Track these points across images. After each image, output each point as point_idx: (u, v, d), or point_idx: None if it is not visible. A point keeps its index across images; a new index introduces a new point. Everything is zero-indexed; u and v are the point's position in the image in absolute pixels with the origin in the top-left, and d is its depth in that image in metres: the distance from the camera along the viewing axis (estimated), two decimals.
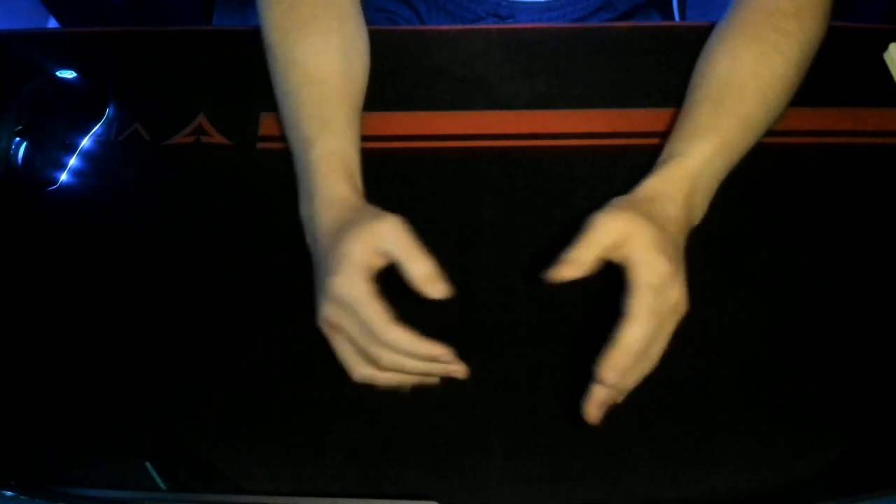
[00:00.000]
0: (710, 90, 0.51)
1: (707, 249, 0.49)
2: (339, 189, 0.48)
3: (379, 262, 0.44)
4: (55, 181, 0.57)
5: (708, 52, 0.54)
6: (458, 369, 0.44)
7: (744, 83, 0.51)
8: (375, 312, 0.42)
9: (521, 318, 0.50)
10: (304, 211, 0.49)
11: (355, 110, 0.53)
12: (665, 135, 0.56)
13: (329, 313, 0.43)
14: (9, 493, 0.44)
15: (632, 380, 0.42)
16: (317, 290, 0.46)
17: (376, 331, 0.42)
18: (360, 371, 0.44)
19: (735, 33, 0.53)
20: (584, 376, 0.47)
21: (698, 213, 0.48)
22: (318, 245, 0.47)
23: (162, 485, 0.45)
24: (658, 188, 0.47)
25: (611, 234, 0.43)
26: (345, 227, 0.44)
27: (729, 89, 0.51)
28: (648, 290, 0.41)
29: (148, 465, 0.46)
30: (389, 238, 0.43)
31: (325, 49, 0.53)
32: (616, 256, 0.43)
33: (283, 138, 0.58)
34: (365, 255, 0.43)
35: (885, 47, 0.61)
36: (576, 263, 0.42)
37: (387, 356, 0.43)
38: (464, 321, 0.47)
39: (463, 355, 0.46)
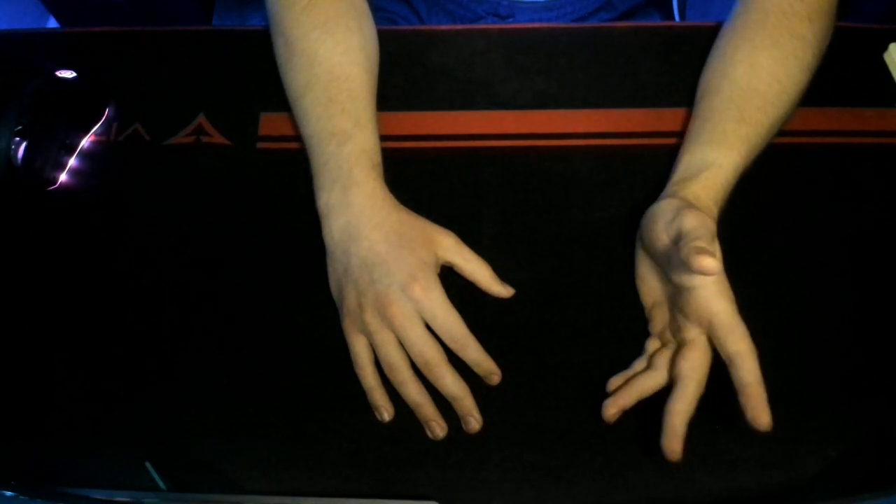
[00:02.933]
0: (733, 95, 0.51)
1: None
2: (379, 186, 0.50)
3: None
4: (55, 181, 0.57)
5: (724, 53, 0.54)
6: (476, 418, 0.46)
7: (765, 90, 0.51)
8: (457, 319, 0.46)
9: (521, 317, 0.50)
10: (329, 200, 0.49)
11: (376, 108, 0.54)
12: (666, 135, 0.57)
13: (395, 311, 0.46)
14: (9, 493, 0.44)
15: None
16: (352, 284, 0.47)
17: (455, 335, 0.46)
18: (400, 377, 0.46)
19: (752, 35, 0.53)
20: (585, 376, 0.48)
21: (720, 215, 0.48)
22: (354, 238, 0.48)
23: (162, 485, 0.45)
24: (701, 197, 0.46)
25: (706, 233, 0.42)
26: (408, 234, 0.48)
27: (752, 96, 0.50)
28: (737, 320, 0.42)
29: (148, 465, 0.46)
30: (453, 249, 0.49)
31: (349, 47, 0.54)
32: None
33: (283, 138, 0.58)
34: (437, 264, 0.48)
35: (885, 47, 0.61)
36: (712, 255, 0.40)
37: (443, 372, 0.46)
38: (464, 321, 0.47)
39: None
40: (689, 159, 0.49)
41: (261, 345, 0.50)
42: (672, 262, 0.44)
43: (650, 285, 0.48)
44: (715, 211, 0.47)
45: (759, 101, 0.50)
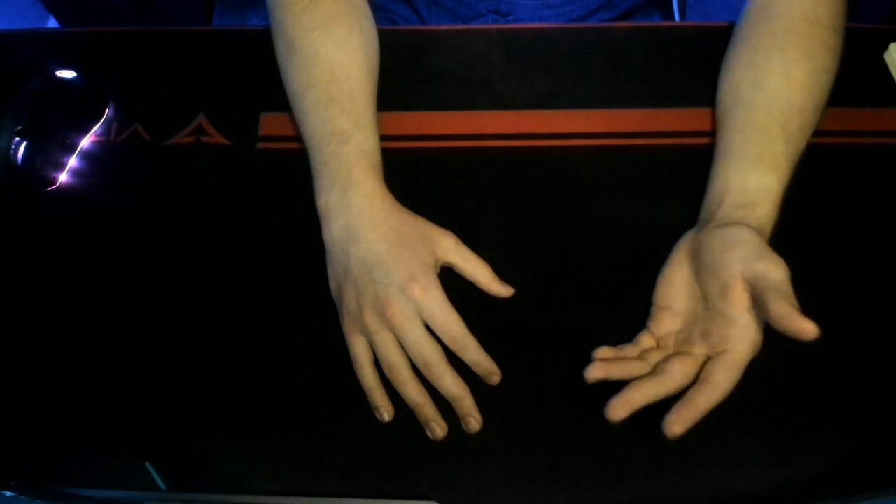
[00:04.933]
0: (774, 112, 0.50)
1: None
2: (379, 186, 0.50)
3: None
4: (55, 181, 0.57)
5: (754, 62, 0.53)
6: (476, 418, 0.46)
7: (803, 106, 0.50)
8: (457, 319, 0.46)
9: (521, 318, 0.50)
10: (329, 201, 0.49)
11: (376, 109, 0.54)
12: (666, 135, 0.57)
13: (395, 312, 0.46)
14: (9, 494, 0.44)
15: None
16: (351, 284, 0.47)
17: (455, 335, 0.46)
18: (400, 378, 0.46)
19: (783, 45, 0.52)
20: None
21: None
22: (354, 238, 0.48)
23: (162, 485, 0.45)
24: (764, 228, 0.46)
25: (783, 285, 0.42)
26: (408, 235, 0.48)
27: (792, 113, 0.50)
28: (743, 366, 0.42)
29: (148, 465, 0.46)
30: (452, 249, 0.49)
31: (350, 47, 0.54)
32: (733, 298, 0.43)
33: (283, 138, 0.58)
34: (437, 264, 0.49)
35: (885, 47, 0.61)
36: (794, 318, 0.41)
37: (440, 370, 0.46)
38: (464, 321, 0.47)
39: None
40: (745, 182, 0.48)
41: (261, 345, 0.50)
42: (732, 295, 0.43)
43: (674, 293, 0.47)
44: (768, 235, 0.46)
45: (799, 118, 0.50)
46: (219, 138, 0.59)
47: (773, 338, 0.49)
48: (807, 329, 0.39)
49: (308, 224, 0.51)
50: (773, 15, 0.54)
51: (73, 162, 0.58)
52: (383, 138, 0.53)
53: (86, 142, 0.59)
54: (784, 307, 0.40)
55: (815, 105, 0.51)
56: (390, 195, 0.50)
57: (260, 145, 0.58)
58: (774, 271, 0.42)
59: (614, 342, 0.48)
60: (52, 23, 1.25)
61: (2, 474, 0.46)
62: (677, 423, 0.40)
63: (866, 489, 0.44)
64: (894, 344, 0.49)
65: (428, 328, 0.46)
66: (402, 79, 0.61)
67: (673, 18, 0.85)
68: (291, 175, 0.55)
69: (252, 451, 0.47)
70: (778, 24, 0.53)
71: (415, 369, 0.47)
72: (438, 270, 0.49)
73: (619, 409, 0.42)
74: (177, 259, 0.54)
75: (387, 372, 0.47)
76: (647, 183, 0.55)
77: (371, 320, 0.46)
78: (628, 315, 0.49)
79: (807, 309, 0.50)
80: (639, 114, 0.59)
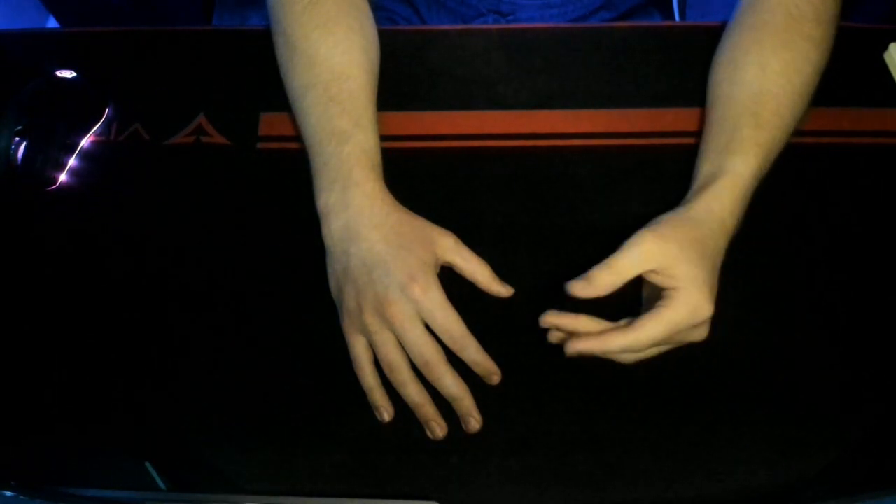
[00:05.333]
0: (747, 101, 0.51)
1: None
2: (378, 186, 0.50)
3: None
4: (55, 181, 0.57)
5: (734, 58, 0.53)
6: (476, 418, 0.46)
7: (777, 92, 0.50)
8: (456, 319, 0.46)
9: (522, 318, 0.50)
10: (329, 200, 0.49)
11: (376, 109, 0.54)
12: (666, 135, 0.57)
13: (395, 312, 0.45)
14: (9, 494, 0.44)
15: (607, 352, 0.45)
16: (351, 284, 0.47)
17: (454, 335, 0.46)
18: (400, 378, 0.47)
19: (761, 38, 0.53)
20: (584, 376, 0.48)
21: (739, 225, 0.48)
22: (353, 238, 0.48)
23: (162, 485, 0.45)
24: (712, 208, 0.47)
25: (650, 262, 0.44)
26: (408, 235, 0.48)
27: (766, 99, 0.50)
28: (673, 326, 0.43)
29: (148, 465, 0.46)
30: (452, 249, 0.49)
31: (350, 47, 0.54)
32: (657, 280, 0.44)
33: (283, 138, 0.58)
34: (437, 264, 0.48)
35: (885, 47, 0.61)
36: (596, 286, 0.44)
37: (441, 371, 0.46)
38: (464, 322, 0.47)
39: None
40: (707, 168, 0.49)
41: (260, 345, 0.50)
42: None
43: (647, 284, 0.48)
44: (730, 222, 0.47)
45: (773, 103, 0.50)
46: (219, 138, 0.59)
47: (773, 337, 0.49)
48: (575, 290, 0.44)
49: (308, 224, 0.51)
50: (756, 11, 0.54)
51: (73, 162, 0.58)
52: (383, 138, 0.53)
53: (86, 142, 0.59)
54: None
55: (794, 90, 0.51)
56: (390, 195, 0.50)
57: (260, 145, 0.58)
58: (622, 252, 0.45)
59: None
60: (52, 23, 1.25)
61: (2, 474, 0.46)
62: (578, 343, 0.43)
63: (866, 489, 0.44)
64: (894, 344, 0.49)
65: (428, 328, 0.46)
66: (402, 79, 0.60)
67: (673, 18, 0.85)
68: (291, 175, 0.55)
69: (252, 451, 0.47)
70: (759, 18, 0.54)
71: (415, 369, 0.47)
72: (438, 270, 0.49)
73: (549, 316, 0.45)
74: (177, 259, 0.54)
75: (387, 372, 0.47)
76: (647, 183, 0.55)
77: (371, 320, 0.46)
78: (628, 314, 0.49)
79: (807, 308, 0.51)
80: (639, 114, 0.59)
